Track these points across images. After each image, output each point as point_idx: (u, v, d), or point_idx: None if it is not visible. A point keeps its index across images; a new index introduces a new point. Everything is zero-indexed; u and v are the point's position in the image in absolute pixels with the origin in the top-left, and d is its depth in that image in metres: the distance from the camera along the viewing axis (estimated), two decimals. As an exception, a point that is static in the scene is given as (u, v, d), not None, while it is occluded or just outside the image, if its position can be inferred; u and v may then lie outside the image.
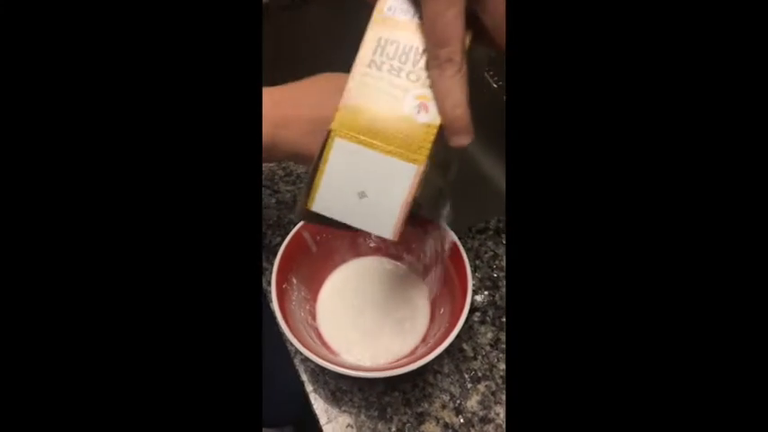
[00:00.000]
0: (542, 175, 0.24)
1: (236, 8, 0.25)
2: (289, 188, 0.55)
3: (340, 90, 0.34)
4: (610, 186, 0.23)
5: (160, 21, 0.24)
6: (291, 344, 0.38)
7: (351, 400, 0.42)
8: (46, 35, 0.24)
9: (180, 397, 0.24)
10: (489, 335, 0.45)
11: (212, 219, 0.24)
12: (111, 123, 0.24)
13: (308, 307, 0.45)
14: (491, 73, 0.71)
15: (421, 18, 0.30)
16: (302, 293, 0.44)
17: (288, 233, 0.43)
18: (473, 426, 0.41)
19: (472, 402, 0.42)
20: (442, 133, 0.31)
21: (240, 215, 0.25)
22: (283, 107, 0.38)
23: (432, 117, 0.30)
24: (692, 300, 0.23)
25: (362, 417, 0.41)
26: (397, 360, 0.42)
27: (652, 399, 0.23)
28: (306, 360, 0.44)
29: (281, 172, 0.56)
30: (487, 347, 0.45)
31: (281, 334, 0.45)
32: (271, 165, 0.57)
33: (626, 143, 0.23)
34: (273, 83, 0.39)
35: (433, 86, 0.30)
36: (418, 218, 0.43)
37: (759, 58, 0.22)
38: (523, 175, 0.24)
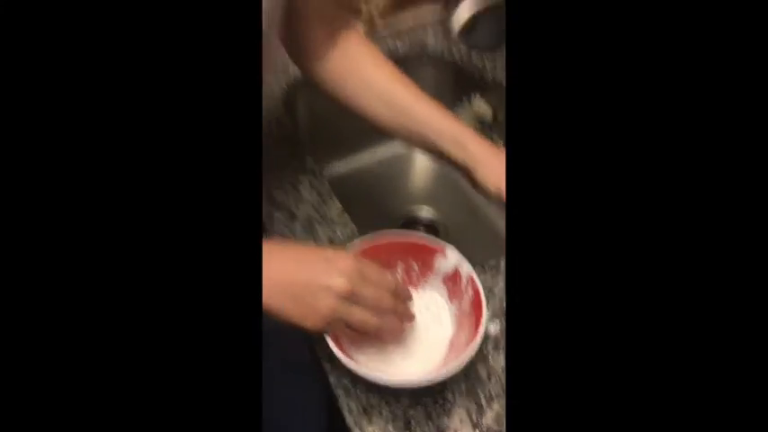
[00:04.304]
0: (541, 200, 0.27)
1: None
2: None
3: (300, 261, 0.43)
4: (605, 218, 0.26)
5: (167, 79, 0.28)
6: (334, 354, 0.44)
7: (379, 413, 0.47)
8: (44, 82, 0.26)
9: (183, 406, 0.26)
10: (501, 361, 0.51)
11: (213, 232, 0.28)
12: (116, 136, 0.27)
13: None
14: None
15: None
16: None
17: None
18: (488, 439, 0.46)
19: (487, 419, 0.47)
20: None
21: (242, 231, 0.28)
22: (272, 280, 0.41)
23: None
24: (688, 308, 0.25)
25: (390, 428, 0.46)
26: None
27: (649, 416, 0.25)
28: (340, 377, 0.49)
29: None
30: (500, 371, 0.50)
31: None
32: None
33: (622, 164, 0.26)
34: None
35: None
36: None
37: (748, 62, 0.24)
38: (522, 211, 0.27)
